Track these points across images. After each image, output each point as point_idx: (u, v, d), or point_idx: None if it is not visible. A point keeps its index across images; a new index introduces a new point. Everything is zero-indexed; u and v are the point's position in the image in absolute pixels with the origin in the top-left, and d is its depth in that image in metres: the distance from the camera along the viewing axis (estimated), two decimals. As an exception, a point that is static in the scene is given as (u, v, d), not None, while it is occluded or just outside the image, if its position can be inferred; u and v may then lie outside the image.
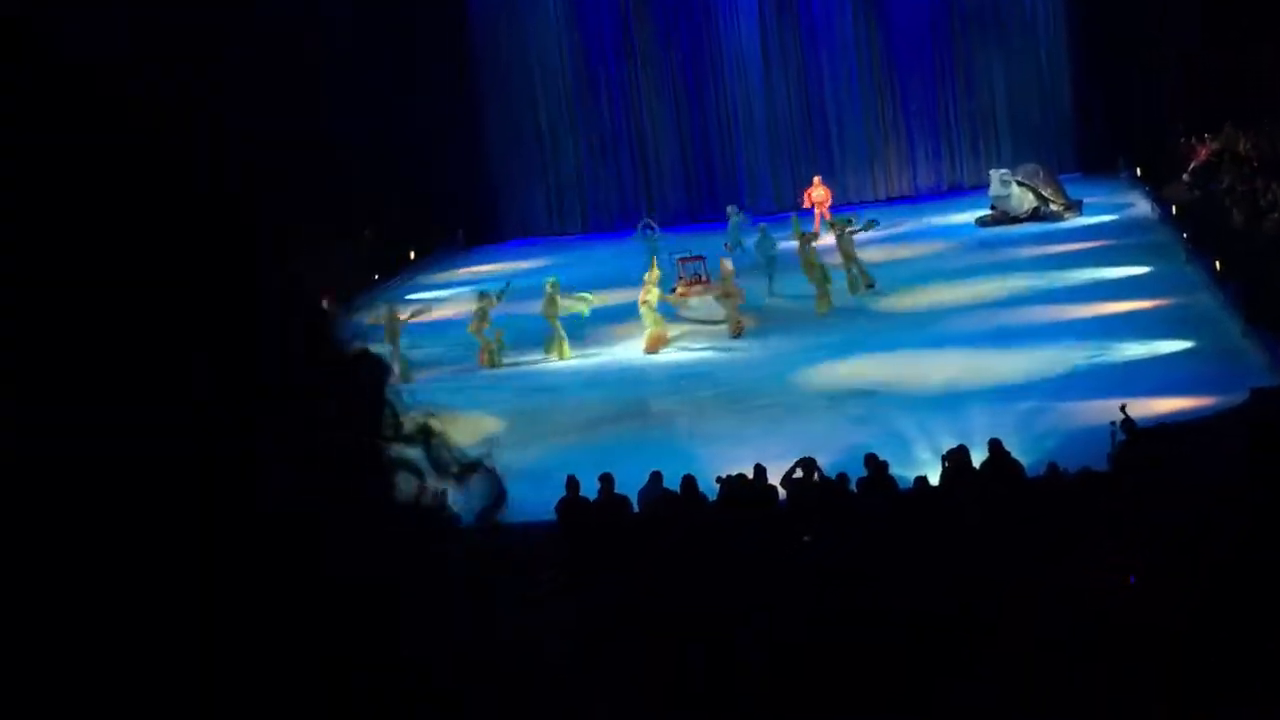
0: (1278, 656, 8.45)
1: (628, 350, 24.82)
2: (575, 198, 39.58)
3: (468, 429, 21.06)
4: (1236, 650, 8.56)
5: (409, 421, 1.05)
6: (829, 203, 32.96)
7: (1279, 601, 9.21)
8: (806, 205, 33.07)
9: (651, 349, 24.37)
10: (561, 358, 24.52)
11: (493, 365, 24.51)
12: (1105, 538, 11.45)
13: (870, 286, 26.64)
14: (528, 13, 39.13)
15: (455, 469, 1.08)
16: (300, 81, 34.03)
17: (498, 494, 1.11)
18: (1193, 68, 34.38)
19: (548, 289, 24.95)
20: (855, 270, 26.71)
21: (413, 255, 35.45)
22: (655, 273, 25.29)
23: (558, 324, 24.63)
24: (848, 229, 26.64)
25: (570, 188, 39.57)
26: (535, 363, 24.60)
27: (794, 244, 26.77)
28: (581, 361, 24.53)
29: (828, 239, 27.61)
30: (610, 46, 39.00)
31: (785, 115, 38.53)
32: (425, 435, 1.06)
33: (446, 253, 36.74)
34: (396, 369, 19.20)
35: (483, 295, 25.11)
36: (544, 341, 24.71)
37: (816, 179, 34.04)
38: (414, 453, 1.05)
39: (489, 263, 35.25)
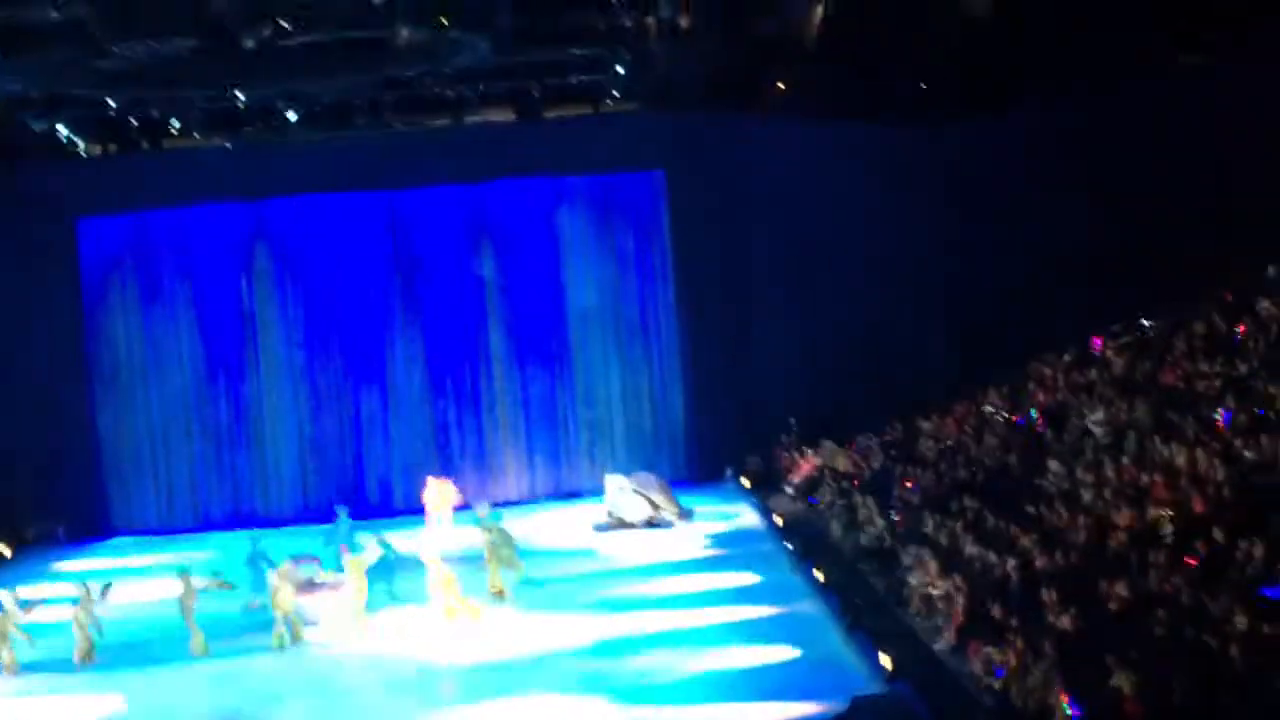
0: None
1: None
2: (187, 492, 38.44)
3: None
4: None
5: None
6: (456, 502, 33.09)
7: None
8: (440, 507, 33.06)
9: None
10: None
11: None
12: None
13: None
14: (146, 306, 38.37)
15: None
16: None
17: None
18: (796, 383, 36.30)
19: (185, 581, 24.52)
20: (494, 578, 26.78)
21: (8, 551, 33.86)
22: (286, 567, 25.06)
23: (192, 619, 24.28)
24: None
25: (181, 482, 38.43)
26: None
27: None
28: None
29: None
30: (230, 343, 38.50)
31: (407, 416, 38.60)
32: None
33: (47, 546, 35.10)
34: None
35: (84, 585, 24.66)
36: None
37: (432, 479, 34.08)
38: None
39: (91, 557, 33.80)
